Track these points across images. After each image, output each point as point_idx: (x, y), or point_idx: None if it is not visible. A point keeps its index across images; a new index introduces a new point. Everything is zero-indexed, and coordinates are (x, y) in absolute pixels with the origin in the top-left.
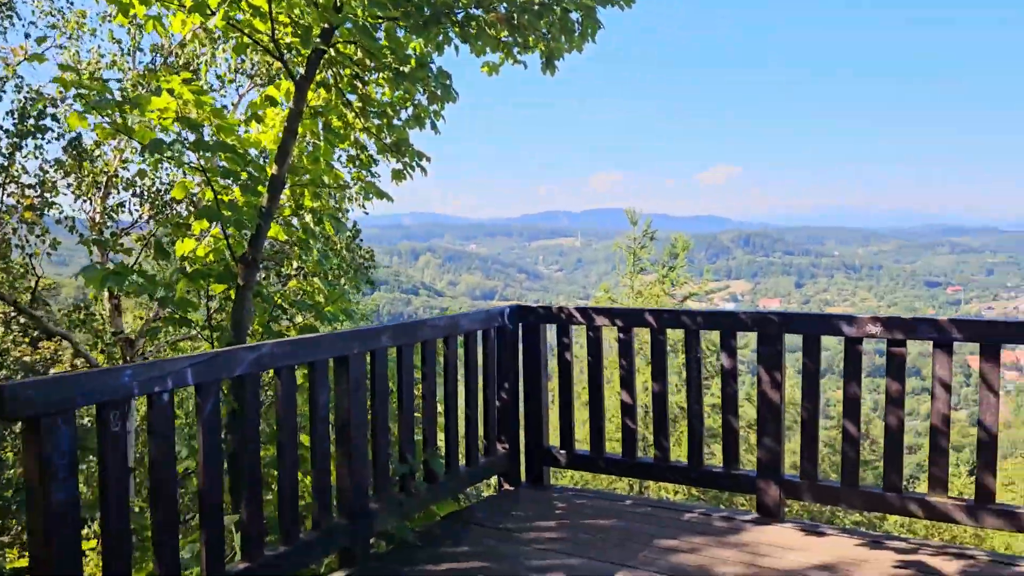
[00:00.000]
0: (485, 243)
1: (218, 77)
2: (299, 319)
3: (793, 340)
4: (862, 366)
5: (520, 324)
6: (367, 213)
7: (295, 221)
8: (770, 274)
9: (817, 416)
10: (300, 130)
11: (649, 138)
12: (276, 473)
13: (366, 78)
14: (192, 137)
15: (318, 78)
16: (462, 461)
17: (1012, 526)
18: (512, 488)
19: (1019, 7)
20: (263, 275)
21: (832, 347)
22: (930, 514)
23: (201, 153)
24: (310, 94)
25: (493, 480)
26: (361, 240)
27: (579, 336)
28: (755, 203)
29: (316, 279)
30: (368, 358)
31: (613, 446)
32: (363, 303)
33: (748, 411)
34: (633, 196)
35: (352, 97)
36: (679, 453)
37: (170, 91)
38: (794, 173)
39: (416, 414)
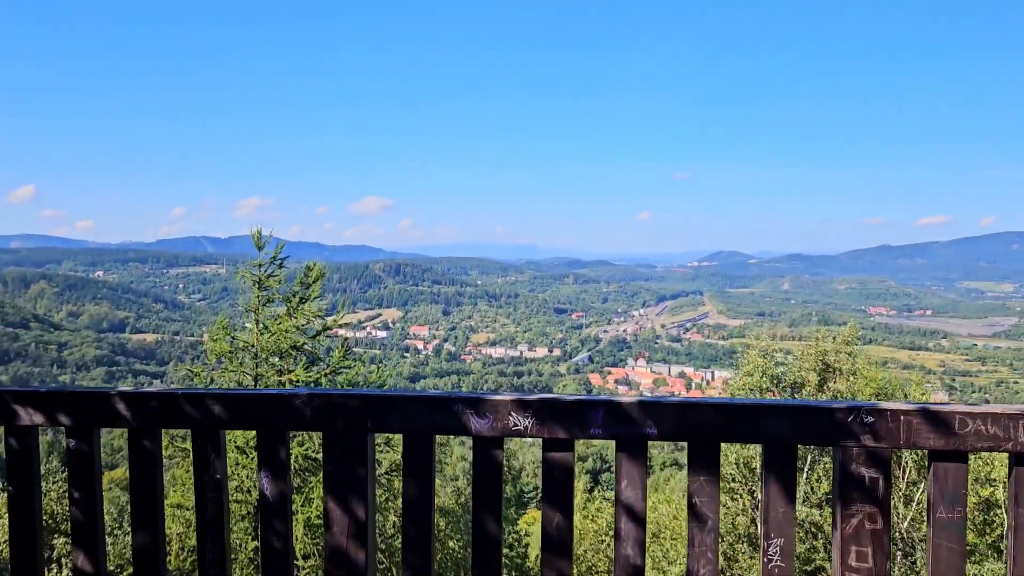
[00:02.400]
0: (115, 270)
1: None
2: None
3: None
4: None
5: None
6: None
7: None
8: (420, 302)
9: None
10: None
11: (303, 166)
12: None
13: None
14: None
15: None
16: None
17: None
18: None
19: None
20: None
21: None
22: None
23: None
24: None
25: None
26: None
27: None
28: (406, 234)
29: None
30: None
31: None
32: None
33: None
34: (284, 224)
35: None
36: None
37: None
38: (442, 207)
39: None
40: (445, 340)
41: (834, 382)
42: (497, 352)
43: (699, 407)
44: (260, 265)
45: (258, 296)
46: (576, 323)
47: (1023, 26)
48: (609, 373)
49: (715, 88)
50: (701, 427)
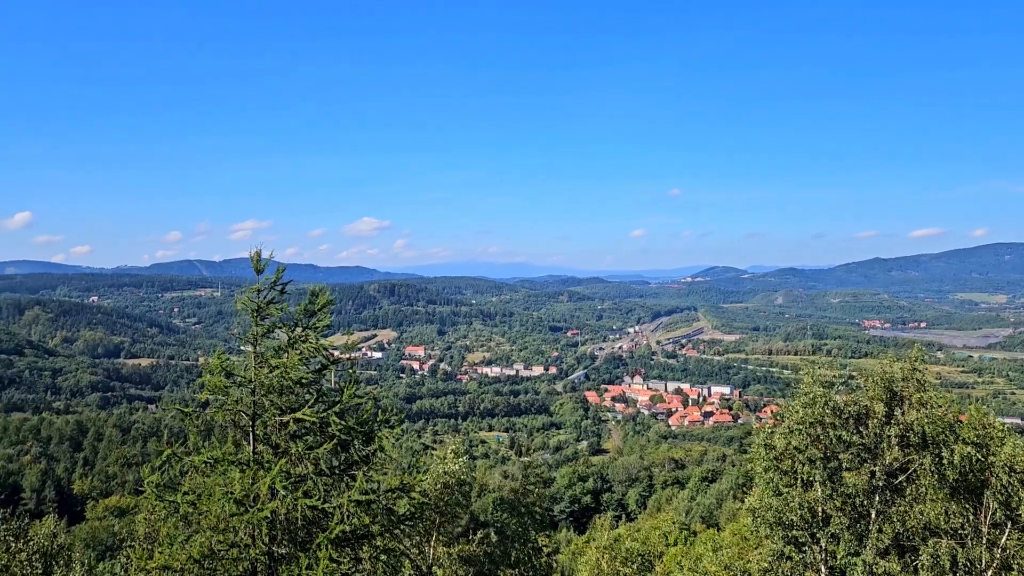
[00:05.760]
0: (110, 295)
1: None
2: None
3: None
4: None
5: None
6: None
7: None
8: (415, 322)
9: None
10: None
11: (300, 189)
12: None
13: None
14: None
15: None
16: None
17: None
18: None
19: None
20: None
21: None
22: None
23: None
24: None
25: None
26: None
27: None
28: (401, 254)
29: None
30: None
31: None
32: None
33: None
34: (279, 246)
35: None
36: None
37: None
38: (437, 226)
39: None
40: (441, 360)
41: (903, 413)
42: (493, 371)
43: None
44: (259, 291)
45: (257, 325)
46: (572, 341)
47: (1012, 42)
48: (606, 391)
49: (708, 105)
50: None
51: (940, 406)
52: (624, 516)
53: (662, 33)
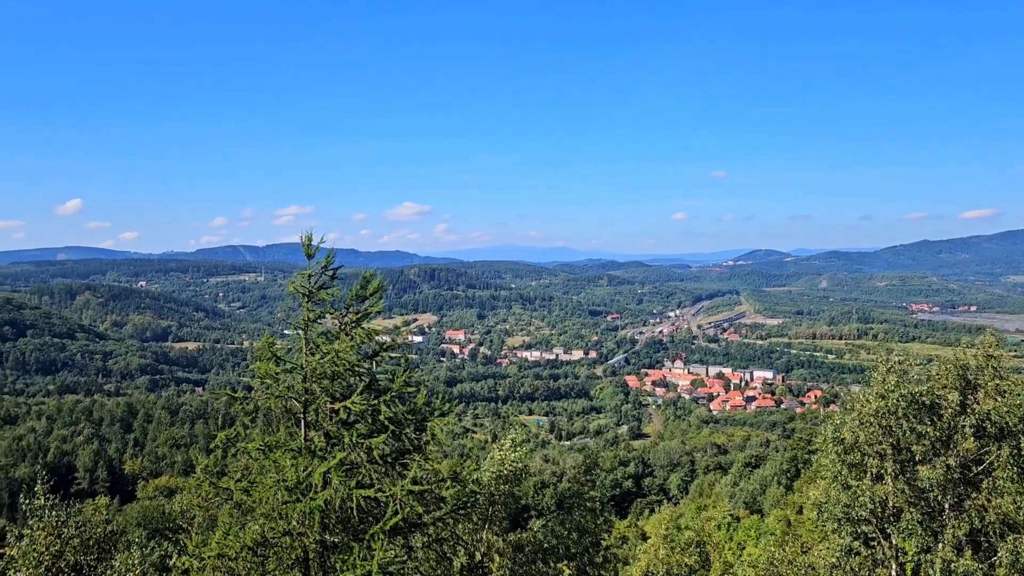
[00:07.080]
0: (157, 280)
1: None
2: None
3: None
4: None
5: None
6: None
7: None
8: (455, 306)
9: None
10: None
11: (342, 175)
12: None
13: None
14: None
15: None
16: None
17: None
18: None
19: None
20: None
21: None
22: None
23: None
24: None
25: None
26: None
27: None
28: (441, 239)
29: None
30: None
31: None
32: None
33: None
34: (322, 232)
35: None
36: None
37: None
38: (477, 211)
39: None
40: (480, 344)
41: (977, 402)
42: (533, 355)
43: None
44: (310, 276)
45: (308, 311)
46: (611, 325)
47: None
48: (646, 375)
49: (751, 86)
50: None
51: (1019, 394)
52: (666, 501)
53: (706, 12)
